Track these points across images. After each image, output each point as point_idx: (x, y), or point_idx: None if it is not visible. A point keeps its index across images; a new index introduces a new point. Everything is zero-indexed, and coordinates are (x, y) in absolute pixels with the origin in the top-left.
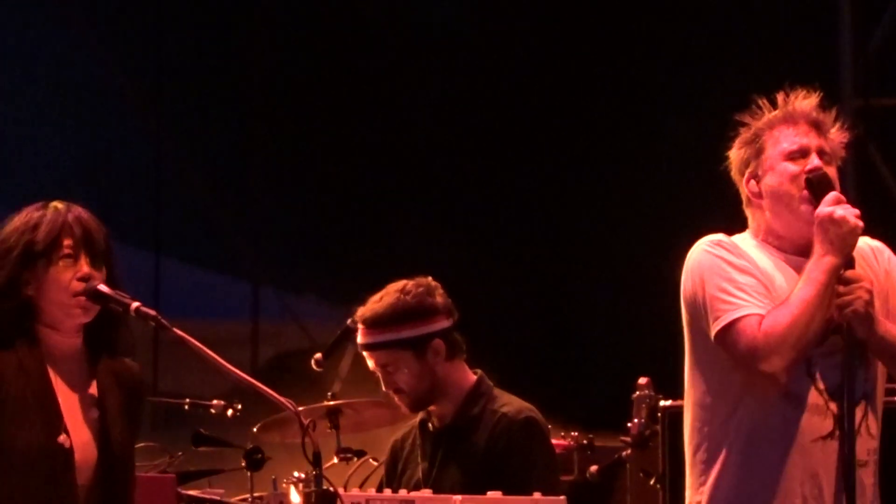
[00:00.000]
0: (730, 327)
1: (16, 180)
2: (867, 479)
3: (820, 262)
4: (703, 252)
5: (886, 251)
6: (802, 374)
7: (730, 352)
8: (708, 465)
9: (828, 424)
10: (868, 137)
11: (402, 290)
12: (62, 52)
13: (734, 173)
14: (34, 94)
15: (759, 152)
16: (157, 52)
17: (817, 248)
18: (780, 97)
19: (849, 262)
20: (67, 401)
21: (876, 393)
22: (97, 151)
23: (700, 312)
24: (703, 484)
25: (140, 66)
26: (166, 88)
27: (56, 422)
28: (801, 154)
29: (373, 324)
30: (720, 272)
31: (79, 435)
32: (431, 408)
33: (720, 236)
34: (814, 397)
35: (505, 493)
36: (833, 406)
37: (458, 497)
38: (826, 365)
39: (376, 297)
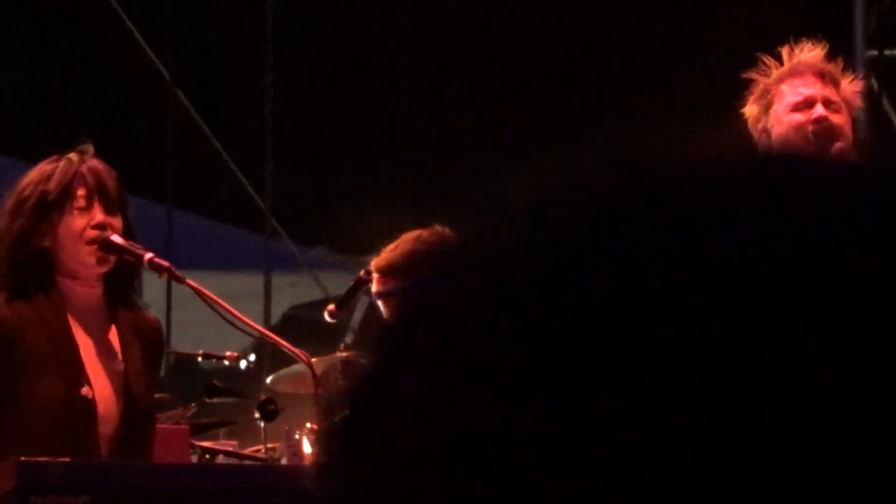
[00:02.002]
0: None
1: (30, 133)
2: None
3: None
4: None
5: None
6: None
7: None
8: None
9: None
10: (882, 89)
11: (416, 239)
12: (76, 5)
13: (751, 129)
14: (47, 48)
15: (768, 107)
16: (170, 2)
17: None
18: (785, 51)
19: None
20: (89, 353)
21: None
22: (110, 104)
23: None
24: None
25: (153, 16)
26: (178, 39)
27: (79, 374)
28: (807, 104)
29: (386, 273)
30: None
31: (102, 387)
32: None
33: None
34: None
35: None
36: None
37: None
38: None
39: (391, 245)
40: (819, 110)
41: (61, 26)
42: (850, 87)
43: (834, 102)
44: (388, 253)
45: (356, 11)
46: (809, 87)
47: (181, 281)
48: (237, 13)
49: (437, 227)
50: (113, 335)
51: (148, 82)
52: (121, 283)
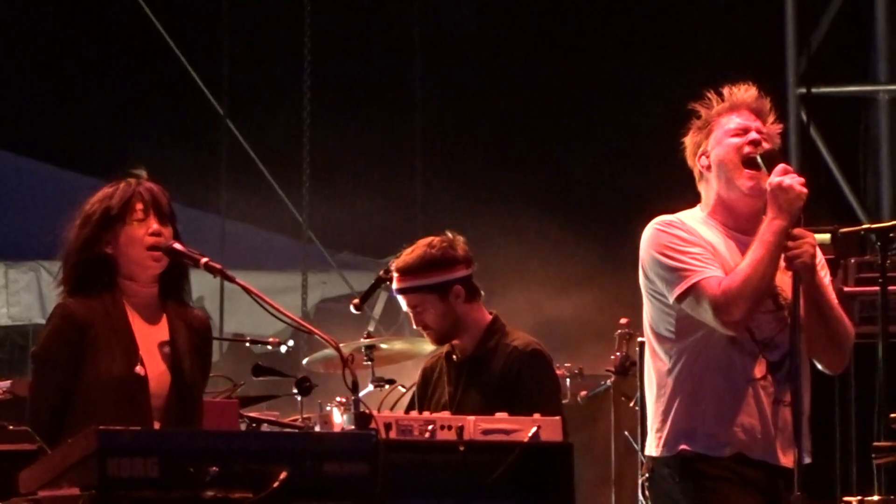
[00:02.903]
0: (692, 288)
1: (110, 158)
2: (789, 416)
3: (771, 225)
4: (657, 231)
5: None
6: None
7: (694, 309)
8: (667, 398)
9: (761, 369)
10: (811, 122)
11: (429, 245)
12: (134, 39)
13: (689, 156)
14: (118, 81)
15: (708, 134)
16: (218, 39)
17: (769, 213)
18: (725, 90)
19: (796, 222)
20: (144, 339)
21: (797, 350)
22: (175, 135)
23: (657, 280)
24: (664, 412)
25: (202, 52)
26: (231, 80)
27: (134, 356)
28: (743, 132)
29: (404, 272)
30: (674, 245)
31: (153, 367)
32: (455, 341)
33: (670, 217)
34: (750, 346)
35: (513, 414)
36: (766, 354)
37: (472, 417)
38: (761, 320)
39: (409, 250)
40: (753, 135)
41: (135, 68)
42: (774, 126)
43: (764, 133)
44: (406, 256)
45: (385, 54)
46: (745, 120)
47: (232, 280)
48: (281, 57)
49: (448, 235)
50: (164, 325)
51: (205, 116)
52: (173, 283)
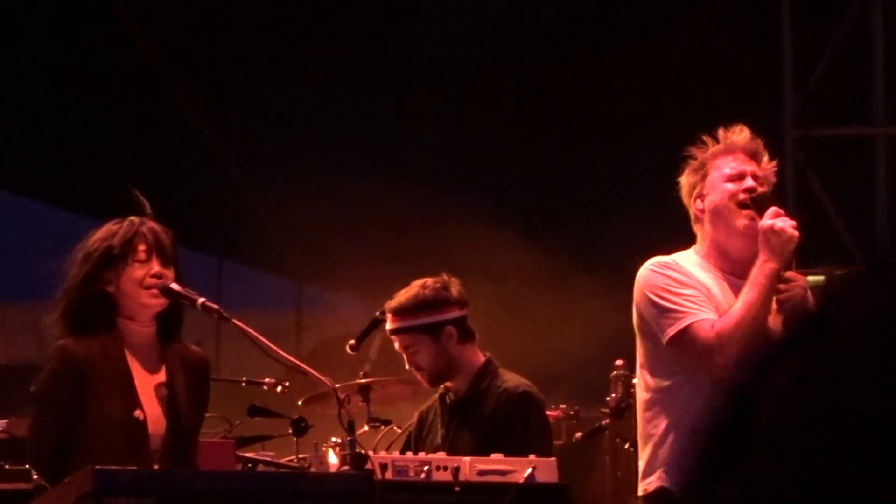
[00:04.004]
0: (685, 331)
1: (99, 197)
2: None
3: (763, 268)
4: (651, 272)
5: None
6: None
7: (687, 351)
8: (658, 438)
9: None
10: (807, 164)
11: (423, 285)
12: (130, 77)
13: (684, 197)
14: (114, 120)
15: (703, 177)
16: (214, 76)
17: (761, 256)
18: (720, 132)
19: (788, 265)
20: (142, 381)
21: None
22: (171, 174)
23: (651, 321)
24: (656, 452)
25: (197, 89)
26: (228, 122)
27: (133, 400)
28: (739, 177)
29: (397, 312)
30: (668, 287)
31: (151, 410)
32: (448, 384)
33: (664, 258)
34: None
35: (506, 456)
36: None
37: (467, 458)
38: None
39: (403, 290)
40: (749, 182)
41: (131, 105)
42: (769, 165)
43: (759, 177)
44: (400, 296)
45: (377, 57)
46: (740, 164)
47: (228, 320)
48: (277, 92)
49: (444, 276)
50: (161, 366)
51: (202, 157)
52: (171, 323)
